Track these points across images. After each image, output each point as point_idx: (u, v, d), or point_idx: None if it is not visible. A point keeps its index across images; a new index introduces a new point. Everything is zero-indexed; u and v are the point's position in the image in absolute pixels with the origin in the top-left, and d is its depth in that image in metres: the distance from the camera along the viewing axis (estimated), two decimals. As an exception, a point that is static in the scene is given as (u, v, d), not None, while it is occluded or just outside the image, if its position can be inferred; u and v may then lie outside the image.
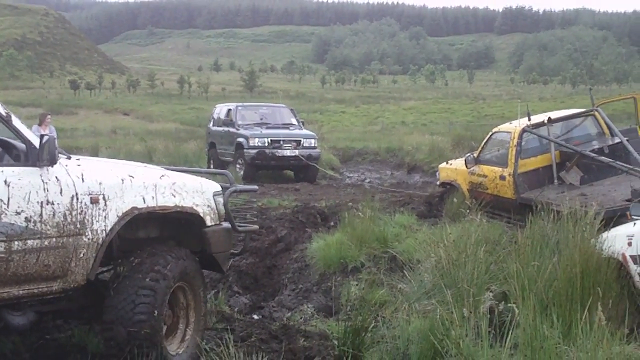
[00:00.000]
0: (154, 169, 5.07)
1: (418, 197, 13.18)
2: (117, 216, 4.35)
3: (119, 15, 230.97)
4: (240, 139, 17.43)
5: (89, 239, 4.21)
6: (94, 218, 4.23)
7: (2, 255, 3.81)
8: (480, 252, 5.83)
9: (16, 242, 3.85)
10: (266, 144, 17.15)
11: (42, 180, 4.01)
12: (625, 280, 5.24)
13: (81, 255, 4.20)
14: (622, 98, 12.45)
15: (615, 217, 6.65)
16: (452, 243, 6.15)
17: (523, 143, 9.77)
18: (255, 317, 6.99)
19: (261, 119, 18.58)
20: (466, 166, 10.66)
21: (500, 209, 9.69)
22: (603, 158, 8.98)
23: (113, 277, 4.53)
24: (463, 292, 5.16)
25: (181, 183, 4.84)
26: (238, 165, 17.39)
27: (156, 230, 4.97)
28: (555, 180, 9.56)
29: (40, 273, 4.02)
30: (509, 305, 4.76)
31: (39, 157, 4.00)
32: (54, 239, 4.03)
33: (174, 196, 4.71)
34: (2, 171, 3.89)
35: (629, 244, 5.29)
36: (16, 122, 4.09)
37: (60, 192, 4.08)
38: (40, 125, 13.84)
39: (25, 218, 3.88)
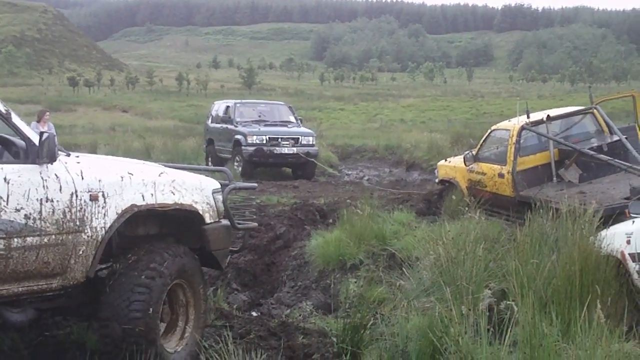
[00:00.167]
0: (153, 167, 5.07)
1: (417, 195, 13.18)
2: (117, 213, 4.35)
3: (117, 12, 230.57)
4: (238, 136, 17.40)
5: (88, 236, 4.21)
6: (93, 215, 4.23)
7: (2, 252, 3.80)
8: (479, 249, 5.84)
9: (16, 240, 3.85)
10: (264, 141, 17.11)
11: (42, 178, 4.01)
12: (624, 278, 5.25)
13: (80, 252, 4.20)
14: (621, 96, 12.46)
15: (614, 215, 6.66)
16: (451, 240, 6.15)
17: (522, 141, 9.78)
18: (254, 314, 6.99)
19: (259, 116, 18.55)
20: (465, 164, 10.65)
21: (499, 207, 9.69)
22: (602, 156, 8.97)
23: (109, 274, 4.53)
24: (462, 289, 5.17)
25: (180, 180, 4.84)
26: (236, 162, 17.36)
27: (155, 228, 4.96)
28: (554, 178, 9.57)
29: (39, 270, 4.02)
30: (508, 302, 4.78)
31: (38, 154, 4.00)
32: (53, 236, 4.03)
33: (173, 194, 4.71)
34: (2, 168, 3.89)
35: (628, 242, 5.30)
36: (16, 119, 4.09)
37: (60, 190, 4.08)
38: (38, 122, 13.77)
39: (25, 215, 3.88)
